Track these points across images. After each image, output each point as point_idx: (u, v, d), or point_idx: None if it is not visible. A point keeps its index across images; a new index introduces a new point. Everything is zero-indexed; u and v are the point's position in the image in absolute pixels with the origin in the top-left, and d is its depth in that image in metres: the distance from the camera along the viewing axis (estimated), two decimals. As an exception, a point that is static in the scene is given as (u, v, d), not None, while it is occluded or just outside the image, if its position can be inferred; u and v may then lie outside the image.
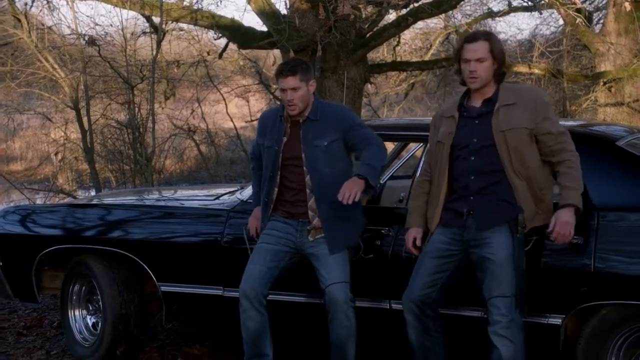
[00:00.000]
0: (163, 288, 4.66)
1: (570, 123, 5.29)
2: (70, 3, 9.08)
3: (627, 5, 8.86)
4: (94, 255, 4.84)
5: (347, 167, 4.13)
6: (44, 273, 5.11)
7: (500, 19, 13.63)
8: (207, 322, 5.02)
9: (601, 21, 13.38)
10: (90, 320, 5.02)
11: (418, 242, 3.89)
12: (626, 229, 3.68)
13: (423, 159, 4.16)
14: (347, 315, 4.00)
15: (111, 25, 11.27)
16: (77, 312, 5.02)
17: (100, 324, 4.86)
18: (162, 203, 5.40)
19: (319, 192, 4.07)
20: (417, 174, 4.20)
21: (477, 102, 3.84)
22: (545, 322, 3.75)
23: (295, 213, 4.13)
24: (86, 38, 9.28)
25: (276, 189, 4.17)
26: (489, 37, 3.84)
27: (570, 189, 3.61)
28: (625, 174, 3.84)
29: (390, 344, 4.31)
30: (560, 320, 3.72)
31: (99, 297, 4.82)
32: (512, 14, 12.28)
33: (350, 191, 3.81)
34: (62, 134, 11.48)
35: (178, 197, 5.67)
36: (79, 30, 9.57)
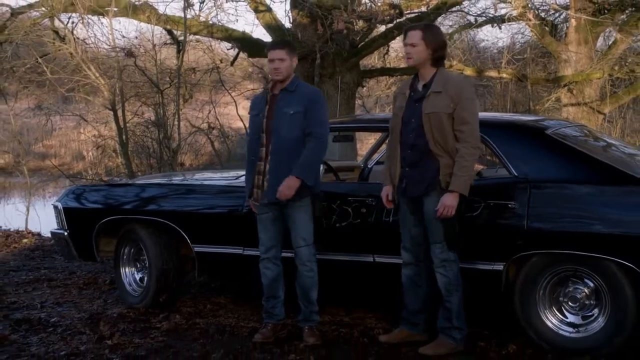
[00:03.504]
0: (196, 249, 5.22)
1: (525, 117, 6.00)
2: (109, 23, 9.63)
3: (574, 22, 9.39)
4: (141, 224, 5.42)
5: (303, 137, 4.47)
6: (100, 239, 5.67)
7: (479, 29, 14.04)
8: (230, 276, 5.58)
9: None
10: (137, 276, 5.58)
11: (390, 197, 4.45)
12: (550, 196, 4.30)
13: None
14: (311, 268, 4.57)
15: (136, 37, 11.83)
16: (127, 269, 5.60)
17: (146, 278, 5.44)
18: (194, 182, 5.87)
19: (275, 150, 4.43)
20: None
21: (420, 86, 4.28)
22: (491, 268, 4.37)
23: None
24: (125, 51, 9.81)
25: (263, 149, 4.49)
26: (424, 27, 4.24)
27: (457, 176, 4.09)
28: (550, 154, 4.47)
29: (373, 288, 4.93)
30: (502, 266, 4.33)
31: (145, 257, 5.38)
32: (490, 26, 12.64)
33: (287, 191, 4.36)
34: (96, 132, 12.00)
35: (206, 178, 6.08)
36: (113, 43, 10.13)
